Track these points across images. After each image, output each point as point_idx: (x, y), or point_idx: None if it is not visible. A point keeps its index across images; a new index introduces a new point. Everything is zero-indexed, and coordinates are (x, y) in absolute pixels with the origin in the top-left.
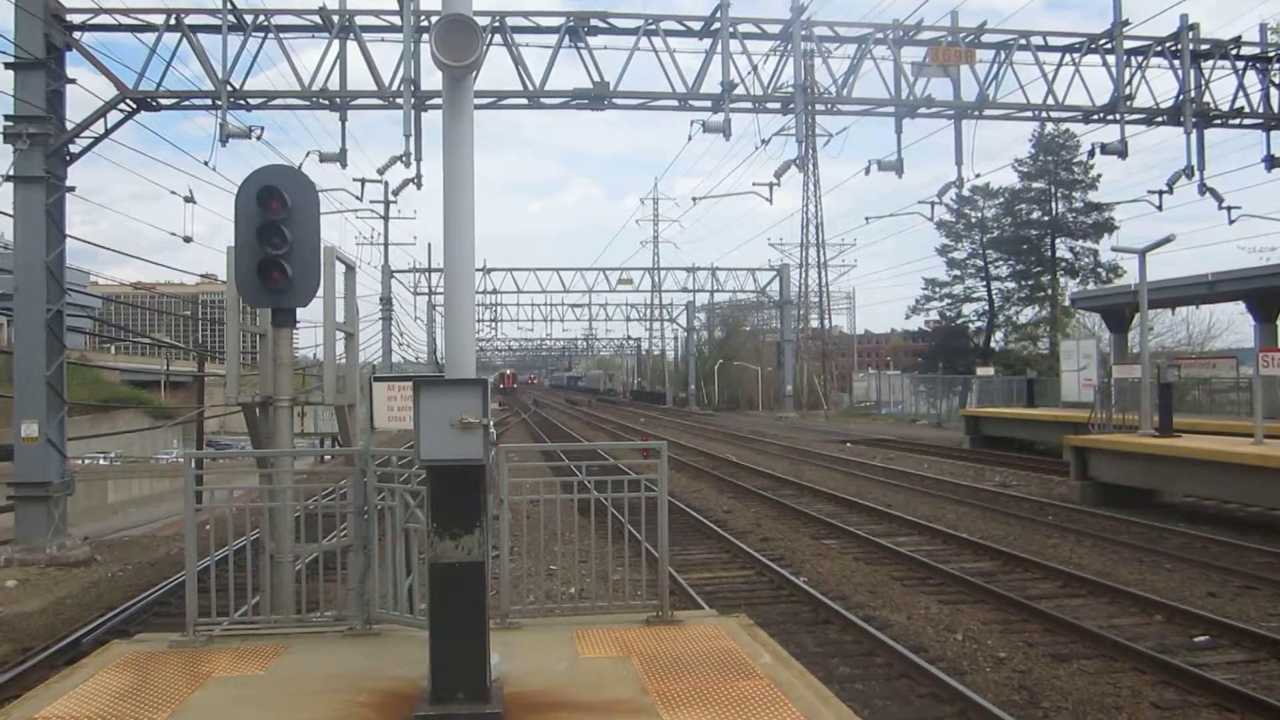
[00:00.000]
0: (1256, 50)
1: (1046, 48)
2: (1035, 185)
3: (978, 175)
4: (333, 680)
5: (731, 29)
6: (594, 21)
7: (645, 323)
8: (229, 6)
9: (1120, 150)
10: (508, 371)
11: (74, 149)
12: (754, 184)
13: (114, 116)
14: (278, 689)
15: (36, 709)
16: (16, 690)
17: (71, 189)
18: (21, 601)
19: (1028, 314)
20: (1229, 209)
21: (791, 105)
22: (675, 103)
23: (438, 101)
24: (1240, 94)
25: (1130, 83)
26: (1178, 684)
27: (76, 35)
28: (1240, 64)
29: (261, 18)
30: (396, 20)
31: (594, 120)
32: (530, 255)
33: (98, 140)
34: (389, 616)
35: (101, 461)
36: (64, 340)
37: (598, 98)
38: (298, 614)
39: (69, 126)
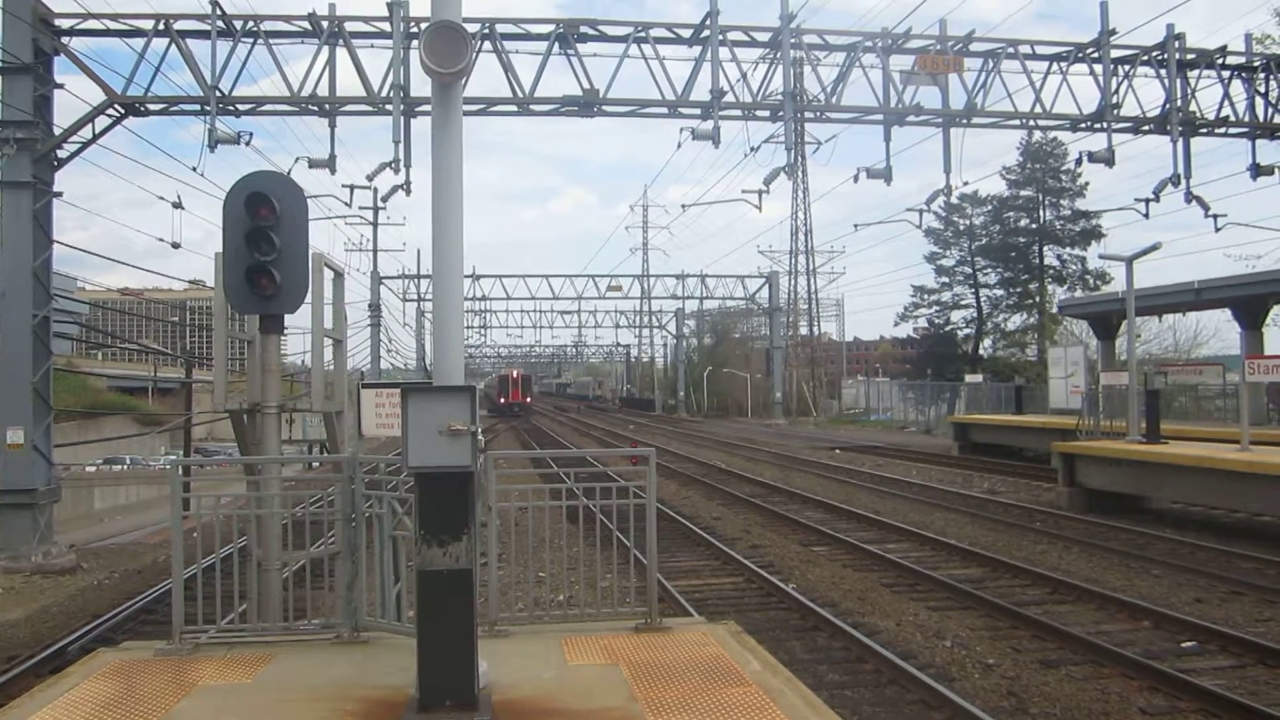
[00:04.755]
0: (1242, 60)
1: (1034, 56)
2: (1023, 193)
3: (966, 183)
4: (320, 688)
5: (721, 36)
6: (584, 28)
7: (635, 329)
8: (218, 12)
9: (1107, 158)
10: (514, 374)
11: (61, 154)
12: (743, 191)
13: (102, 122)
14: (265, 697)
15: (22, 718)
16: (1, 700)
17: (59, 194)
18: (6, 610)
19: (1016, 321)
20: (1215, 217)
21: (781, 113)
22: (665, 110)
23: (427, 108)
24: (1226, 103)
25: (1117, 91)
26: (1165, 689)
27: (65, 40)
28: (1226, 73)
29: (251, 23)
30: (386, 27)
31: (589, 128)
32: (523, 263)
33: (86, 145)
34: (377, 624)
35: (89, 469)
36: (50, 346)
37: (587, 105)
38: (285, 622)
39: (57, 132)
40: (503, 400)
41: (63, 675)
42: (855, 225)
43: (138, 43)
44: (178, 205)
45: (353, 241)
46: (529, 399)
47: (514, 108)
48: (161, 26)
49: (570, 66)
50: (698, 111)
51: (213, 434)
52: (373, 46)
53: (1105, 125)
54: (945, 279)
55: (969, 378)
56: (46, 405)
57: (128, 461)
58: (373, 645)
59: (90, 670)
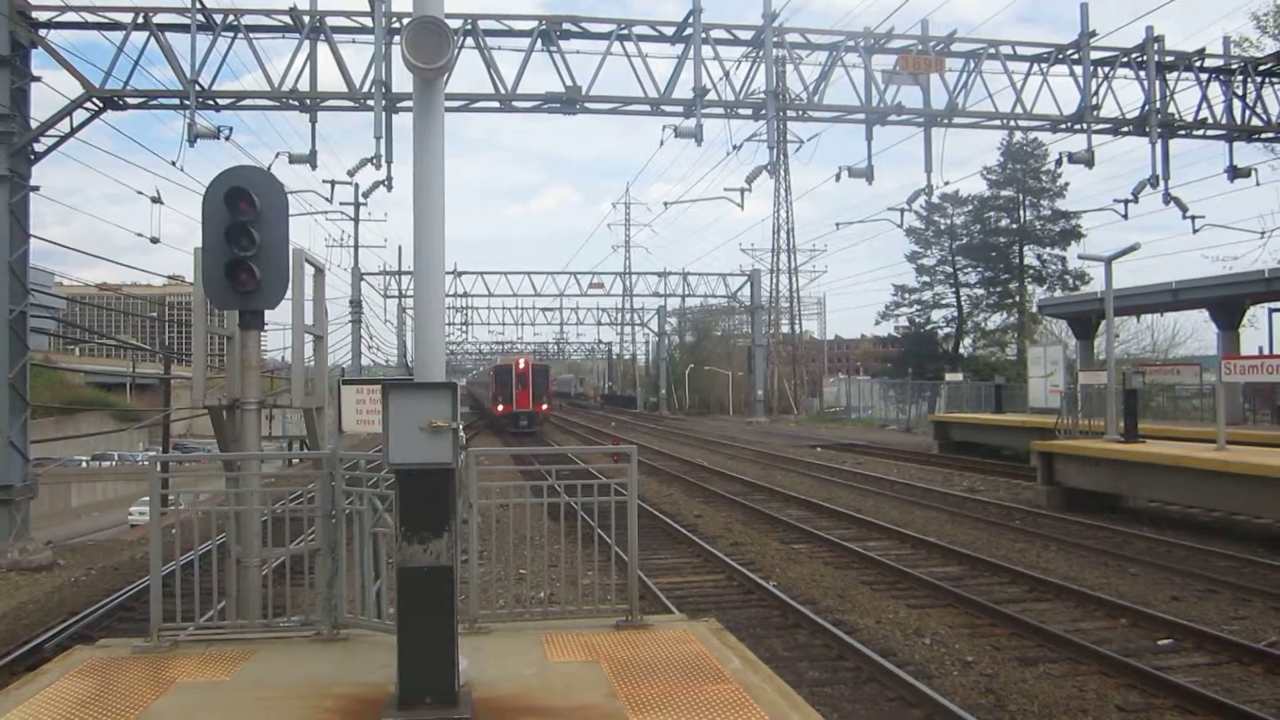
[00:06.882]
0: (1220, 63)
1: (1015, 57)
2: (1004, 193)
3: (947, 183)
4: (299, 686)
5: (704, 34)
6: (567, 25)
7: (617, 327)
8: (198, 5)
9: (1087, 159)
10: (520, 363)
11: (39, 148)
12: (725, 189)
13: (80, 115)
14: (243, 695)
15: None
16: None
17: (35, 188)
18: None
19: (996, 320)
20: (1193, 218)
21: (763, 111)
22: (648, 108)
23: (409, 104)
24: (1204, 105)
25: (1097, 93)
26: (1142, 687)
27: (42, 33)
28: (1204, 76)
29: (231, 17)
30: (368, 22)
31: (572, 126)
32: (506, 260)
33: (63, 139)
34: (357, 621)
35: (81, 464)
36: (27, 341)
37: (569, 101)
38: (264, 619)
39: (34, 125)
40: (501, 408)
41: (39, 673)
42: (837, 224)
43: (116, 36)
44: (157, 200)
45: (333, 237)
46: (544, 406)
47: (496, 104)
48: (140, 20)
49: (553, 63)
50: (680, 109)
51: (191, 430)
52: (354, 42)
53: (1085, 126)
54: (926, 278)
55: (949, 376)
56: (23, 401)
57: (116, 458)
58: (353, 642)
59: (67, 668)
